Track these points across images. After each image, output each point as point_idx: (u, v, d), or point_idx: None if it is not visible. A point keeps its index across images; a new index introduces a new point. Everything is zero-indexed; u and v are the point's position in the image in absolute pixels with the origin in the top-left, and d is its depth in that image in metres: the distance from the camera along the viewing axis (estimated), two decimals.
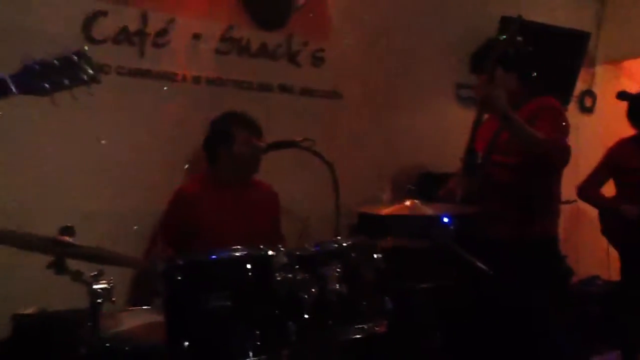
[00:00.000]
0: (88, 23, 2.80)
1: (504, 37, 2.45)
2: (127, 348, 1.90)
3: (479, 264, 2.11)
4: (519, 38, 2.43)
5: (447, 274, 2.71)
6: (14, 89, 1.52)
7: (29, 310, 2.42)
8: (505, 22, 2.84)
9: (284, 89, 3.39)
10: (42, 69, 1.56)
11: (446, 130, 4.00)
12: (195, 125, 2.93)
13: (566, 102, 4.22)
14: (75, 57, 1.60)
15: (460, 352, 2.58)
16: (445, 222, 2.25)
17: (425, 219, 2.27)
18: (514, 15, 2.55)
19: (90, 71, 1.60)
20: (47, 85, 1.56)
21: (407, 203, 2.28)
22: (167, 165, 3.00)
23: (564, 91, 4.25)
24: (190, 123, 2.99)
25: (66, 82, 1.58)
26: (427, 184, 3.81)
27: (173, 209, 2.79)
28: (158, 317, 1.92)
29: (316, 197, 3.23)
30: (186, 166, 3.02)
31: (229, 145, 2.78)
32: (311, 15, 3.46)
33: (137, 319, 2.17)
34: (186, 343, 1.66)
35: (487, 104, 2.48)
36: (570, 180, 3.34)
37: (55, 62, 1.57)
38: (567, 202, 3.57)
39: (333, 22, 3.57)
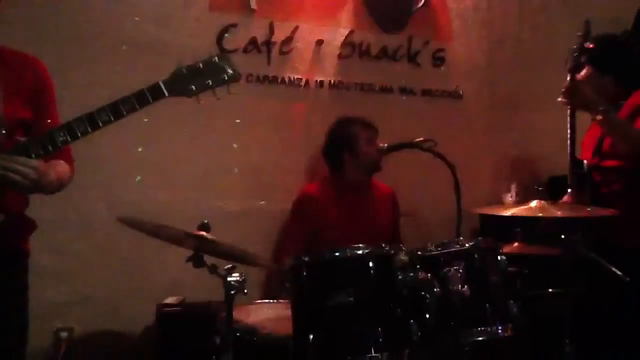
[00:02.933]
0: (220, 35, 3.00)
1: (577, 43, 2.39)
2: (255, 339, 2.02)
3: (615, 270, 1.98)
4: (589, 44, 2.35)
5: (577, 279, 2.57)
6: (165, 92, 1.69)
7: (171, 300, 2.65)
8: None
9: (405, 90, 3.39)
10: (189, 72, 1.71)
11: (578, 131, 3.78)
12: (319, 128, 3.03)
13: None
14: (217, 59, 1.73)
15: None
16: (576, 225, 2.13)
17: (553, 221, 2.16)
18: None
19: (230, 71, 1.73)
20: (193, 87, 1.70)
21: (534, 204, 2.19)
22: (293, 168, 3.13)
23: None
24: (315, 126, 3.10)
25: (209, 82, 1.71)
26: (557, 188, 3.61)
27: (297, 212, 2.89)
28: (285, 311, 2.02)
29: (437, 198, 3.21)
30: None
31: (353, 146, 2.84)
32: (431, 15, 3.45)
33: (265, 312, 2.30)
34: (311, 336, 1.73)
35: (575, 101, 2.37)
36: None
37: (200, 65, 1.72)
38: None
39: (453, 22, 3.52)
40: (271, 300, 2.45)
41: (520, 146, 3.66)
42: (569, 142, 2.51)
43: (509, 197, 3.37)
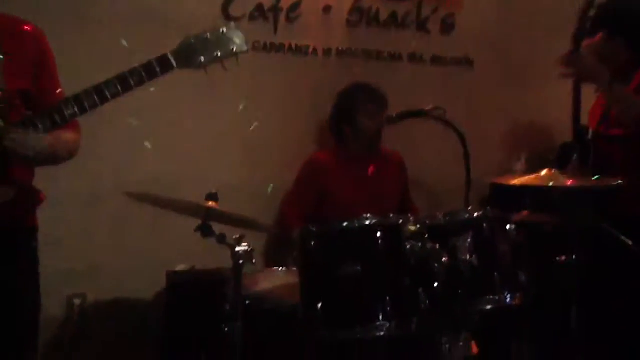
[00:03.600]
0: (227, 2, 2.94)
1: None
2: (265, 306, 2.05)
3: (625, 239, 1.97)
4: (592, 10, 2.23)
5: (586, 248, 2.57)
6: (174, 64, 1.66)
7: (181, 268, 2.67)
8: None
9: (414, 58, 3.34)
10: (197, 42, 1.68)
11: (593, 98, 3.72)
12: (327, 97, 3.00)
13: None
14: (225, 30, 1.70)
15: (598, 330, 2.45)
16: (586, 194, 2.12)
17: (563, 191, 2.14)
18: None
19: (238, 42, 1.70)
20: (202, 59, 1.68)
21: (544, 173, 2.17)
22: (300, 137, 3.10)
23: None
24: (322, 94, 3.06)
25: (218, 54, 1.69)
26: (569, 154, 3.57)
27: (304, 176, 2.88)
28: (293, 278, 2.03)
29: (446, 167, 3.19)
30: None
31: (353, 120, 2.82)
32: None
33: (274, 280, 2.32)
34: (319, 305, 1.74)
35: (577, 71, 2.27)
36: None
37: (208, 35, 1.69)
38: None
39: None
40: (280, 268, 2.46)
41: (532, 113, 3.61)
42: (572, 113, 2.45)
43: (519, 166, 3.35)
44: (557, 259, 2.73)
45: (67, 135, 1.79)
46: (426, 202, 3.28)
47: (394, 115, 2.73)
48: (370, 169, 2.88)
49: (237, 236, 1.82)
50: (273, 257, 2.96)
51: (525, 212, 2.45)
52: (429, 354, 1.79)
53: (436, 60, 3.39)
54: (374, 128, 2.80)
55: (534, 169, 3.37)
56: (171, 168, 2.85)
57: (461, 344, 1.75)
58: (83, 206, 2.73)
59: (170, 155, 2.86)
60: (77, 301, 2.69)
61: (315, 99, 3.11)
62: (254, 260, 1.79)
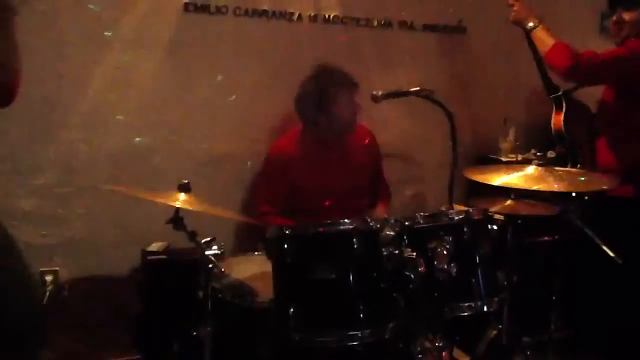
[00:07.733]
0: None
1: None
2: (236, 301, 1.99)
3: (608, 251, 1.92)
4: None
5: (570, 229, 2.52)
6: None
7: (156, 247, 2.60)
8: None
9: (405, 25, 3.17)
10: None
11: None
12: (312, 66, 2.85)
13: None
14: None
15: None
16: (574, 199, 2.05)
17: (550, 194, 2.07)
18: None
19: None
20: None
21: (531, 171, 2.09)
22: (281, 109, 2.95)
23: None
24: (306, 64, 2.90)
25: None
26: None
27: (271, 171, 2.72)
28: (268, 266, 1.95)
29: (434, 139, 3.12)
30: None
31: (329, 108, 2.60)
32: None
33: (251, 267, 2.25)
34: (292, 310, 1.69)
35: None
36: None
37: None
38: None
39: None
40: (257, 253, 2.40)
41: (527, 84, 3.48)
42: (535, 64, 2.76)
43: (506, 143, 3.27)
44: (542, 238, 2.70)
45: None
46: (414, 178, 3.23)
47: (379, 94, 2.60)
48: (338, 152, 2.75)
49: (208, 239, 1.74)
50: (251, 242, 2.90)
51: (508, 202, 2.40)
52: None
53: (428, 27, 3.23)
54: (349, 116, 2.65)
55: (521, 149, 3.31)
56: (146, 139, 2.74)
57: (435, 353, 1.71)
58: (54, 179, 2.63)
59: (145, 125, 2.74)
60: (49, 277, 2.63)
61: (299, 68, 2.95)
62: (223, 269, 1.71)
